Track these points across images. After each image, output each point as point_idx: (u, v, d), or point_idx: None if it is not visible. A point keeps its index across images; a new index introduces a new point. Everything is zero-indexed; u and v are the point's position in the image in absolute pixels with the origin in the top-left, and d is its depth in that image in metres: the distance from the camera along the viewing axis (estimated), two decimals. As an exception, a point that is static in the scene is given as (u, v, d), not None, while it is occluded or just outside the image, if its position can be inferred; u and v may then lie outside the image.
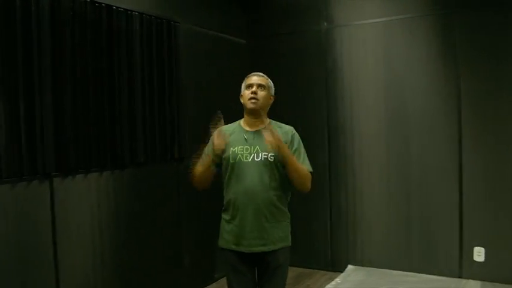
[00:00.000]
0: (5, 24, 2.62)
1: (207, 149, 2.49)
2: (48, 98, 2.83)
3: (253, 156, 2.37)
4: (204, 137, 2.50)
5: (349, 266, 4.45)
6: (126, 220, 3.43)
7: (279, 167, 2.36)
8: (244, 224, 2.35)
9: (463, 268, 4.00)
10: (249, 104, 2.41)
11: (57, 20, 2.89)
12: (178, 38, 3.88)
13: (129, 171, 3.47)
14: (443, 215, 4.06)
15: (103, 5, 3.20)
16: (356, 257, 4.47)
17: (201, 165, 2.46)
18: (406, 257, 4.23)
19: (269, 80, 2.51)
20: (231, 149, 2.40)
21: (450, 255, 4.05)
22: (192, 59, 4.08)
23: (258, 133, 2.43)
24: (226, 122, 2.58)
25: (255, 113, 2.44)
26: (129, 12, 3.41)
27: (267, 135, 2.31)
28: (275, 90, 2.55)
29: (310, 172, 2.44)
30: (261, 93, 2.43)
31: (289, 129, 2.49)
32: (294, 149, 2.43)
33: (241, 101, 2.50)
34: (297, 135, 2.49)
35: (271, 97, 2.51)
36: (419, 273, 4.15)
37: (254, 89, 2.42)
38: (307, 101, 4.64)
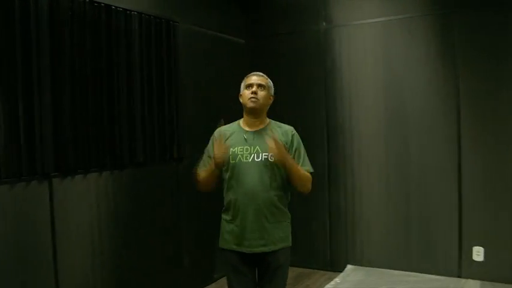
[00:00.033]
0: (4, 24, 2.61)
1: (208, 151, 2.49)
2: (47, 98, 2.82)
3: (254, 156, 2.36)
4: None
5: (349, 266, 4.45)
6: (125, 220, 3.42)
7: (279, 167, 2.36)
8: (245, 224, 2.35)
9: (462, 268, 4.01)
10: (249, 103, 2.40)
11: (56, 20, 2.88)
12: (177, 37, 3.87)
13: (129, 171, 3.46)
14: (442, 215, 4.07)
15: (102, 4, 3.20)
16: (355, 256, 4.47)
17: (205, 171, 2.45)
18: (405, 256, 4.24)
19: (269, 79, 2.51)
20: (231, 149, 2.40)
21: (449, 254, 4.05)
22: (191, 58, 4.08)
23: (257, 133, 2.43)
24: (225, 122, 2.58)
25: (255, 112, 2.43)
26: (128, 12, 3.40)
27: (270, 143, 2.30)
28: (274, 90, 2.54)
29: (311, 172, 2.45)
30: (261, 93, 2.43)
31: (289, 129, 2.49)
32: (294, 149, 2.43)
33: (241, 100, 2.49)
34: (297, 135, 2.49)
35: (271, 97, 2.51)
36: (418, 272, 4.15)
37: (254, 88, 2.41)
38: (306, 101, 4.63)
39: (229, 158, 2.38)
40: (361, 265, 4.43)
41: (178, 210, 3.95)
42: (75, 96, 3.01)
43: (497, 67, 3.81)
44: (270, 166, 2.35)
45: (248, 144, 2.39)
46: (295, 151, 2.43)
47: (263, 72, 2.53)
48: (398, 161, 4.25)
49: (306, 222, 4.57)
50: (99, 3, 3.17)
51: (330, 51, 4.52)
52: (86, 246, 3.13)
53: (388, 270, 4.27)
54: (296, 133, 2.49)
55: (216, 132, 2.51)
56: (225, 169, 2.41)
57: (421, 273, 4.14)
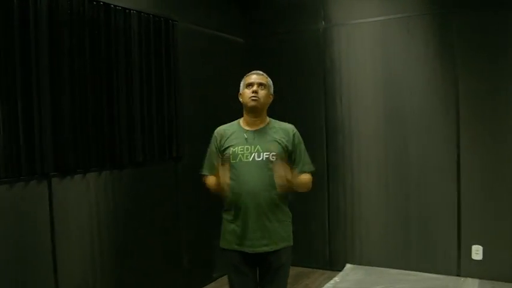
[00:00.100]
0: (2, 24, 2.60)
1: (213, 154, 2.46)
2: (46, 98, 2.81)
3: (254, 155, 2.35)
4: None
5: (348, 265, 4.46)
6: (124, 220, 3.42)
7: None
8: (247, 224, 2.34)
9: (461, 266, 4.02)
10: (250, 102, 2.39)
11: (55, 19, 2.87)
12: (176, 36, 3.87)
13: (128, 171, 3.46)
14: (441, 214, 4.07)
15: (101, 3, 3.19)
16: (354, 256, 4.48)
17: (215, 178, 2.38)
18: (405, 255, 4.24)
19: (268, 78, 2.50)
20: (232, 149, 2.39)
21: (448, 253, 4.06)
22: (190, 57, 4.07)
23: (258, 132, 2.42)
24: (224, 122, 2.57)
25: (255, 111, 2.42)
26: (127, 10, 3.39)
27: (278, 170, 2.25)
28: (273, 89, 2.54)
29: (312, 171, 2.45)
30: (262, 92, 2.42)
31: (289, 127, 2.49)
32: (294, 147, 2.43)
33: (241, 99, 2.48)
34: (297, 134, 2.48)
35: (271, 95, 2.50)
36: (417, 271, 4.16)
37: (255, 87, 2.40)
38: (305, 100, 4.63)
39: (229, 157, 2.37)
40: (361, 264, 4.43)
41: (178, 209, 3.94)
42: (74, 95, 3.00)
43: (496, 67, 3.82)
44: (270, 165, 2.34)
45: (248, 143, 2.38)
46: (296, 149, 2.43)
47: (262, 71, 2.52)
48: (397, 161, 4.25)
49: (305, 221, 4.57)
50: (98, 1, 3.16)
51: (329, 51, 4.51)
52: (85, 245, 3.12)
53: (387, 269, 4.28)
54: (297, 131, 2.48)
55: (216, 132, 2.51)
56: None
57: (420, 272, 4.15)
